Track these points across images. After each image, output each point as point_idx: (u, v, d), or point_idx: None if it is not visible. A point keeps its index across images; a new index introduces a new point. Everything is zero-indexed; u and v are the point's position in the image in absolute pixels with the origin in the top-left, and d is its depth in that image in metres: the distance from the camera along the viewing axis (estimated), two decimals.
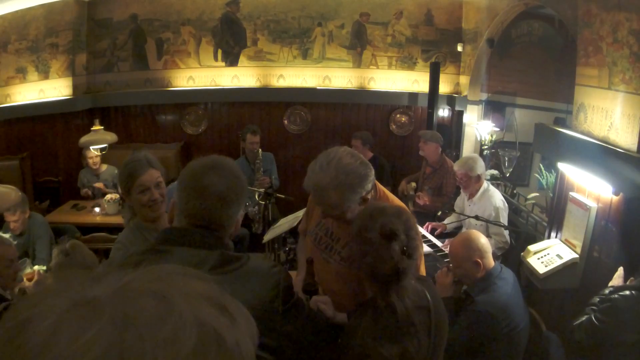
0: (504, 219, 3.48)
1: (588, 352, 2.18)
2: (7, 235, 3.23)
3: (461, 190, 3.86)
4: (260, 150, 4.70)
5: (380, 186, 1.88)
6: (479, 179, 3.58)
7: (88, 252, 2.35)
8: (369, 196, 1.72)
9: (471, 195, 3.67)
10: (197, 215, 1.19)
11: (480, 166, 3.57)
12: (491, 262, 2.25)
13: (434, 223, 3.92)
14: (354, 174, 1.63)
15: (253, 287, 1.14)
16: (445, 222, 3.93)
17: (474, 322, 2.08)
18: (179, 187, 1.24)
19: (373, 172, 1.70)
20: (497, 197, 3.54)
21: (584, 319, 2.18)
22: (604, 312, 2.09)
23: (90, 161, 4.69)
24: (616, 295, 2.09)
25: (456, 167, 3.68)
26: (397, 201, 1.88)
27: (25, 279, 2.62)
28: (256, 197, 4.32)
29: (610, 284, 2.30)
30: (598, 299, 2.21)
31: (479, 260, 2.19)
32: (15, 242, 3.31)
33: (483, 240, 2.26)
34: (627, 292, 2.06)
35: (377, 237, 1.38)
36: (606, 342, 2.08)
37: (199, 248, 1.16)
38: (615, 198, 2.54)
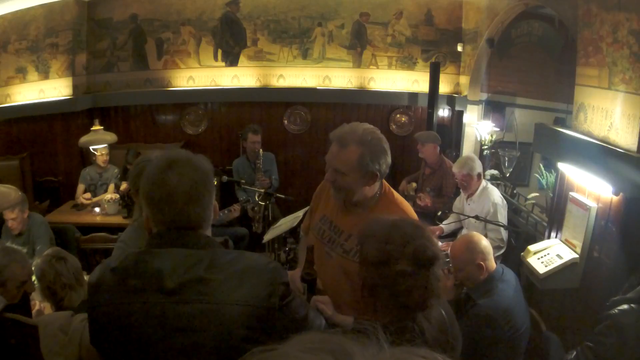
0: (502, 217, 3.49)
1: None
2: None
3: (461, 190, 3.86)
4: (261, 150, 4.70)
5: (385, 183, 1.89)
6: (479, 177, 3.60)
7: (72, 257, 2.34)
8: (377, 181, 1.75)
9: (470, 195, 3.67)
10: (173, 221, 1.17)
11: (479, 165, 3.60)
12: (493, 264, 2.24)
13: (431, 227, 3.92)
14: (378, 140, 1.72)
15: (249, 284, 1.14)
16: (444, 223, 3.93)
17: (476, 326, 2.06)
18: (144, 199, 1.19)
19: (390, 159, 1.76)
20: (496, 195, 3.56)
21: (577, 350, 2.01)
22: (604, 332, 1.93)
23: (101, 159, 4.68)
24: (615, 311, 1.93)
25: (455, 169, 3.67)
26: (400, 198, 1.89)
27: None
28: (256, 197, 4.32)
29: None
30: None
31: (482, 263, 2.18)
32: (15, 242, 3.30)
33: (485, 242, 2.25)
34: (626, 307, 1.93)
35: (410, 267, 1.20)
36: None
37: (192, 248, 1.16)
38: (615, 198, 2.54)
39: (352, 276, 1.79)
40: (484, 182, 3.64)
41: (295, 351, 0.47)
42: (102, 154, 4.67)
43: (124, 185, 4.61)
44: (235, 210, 4.07)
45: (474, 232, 2.44)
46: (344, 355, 0.46)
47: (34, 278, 2.31)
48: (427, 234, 1.29)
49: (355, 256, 1.77)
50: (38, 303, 2.47)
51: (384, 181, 1.87)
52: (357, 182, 1.72)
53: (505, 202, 3.60)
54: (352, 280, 1.80)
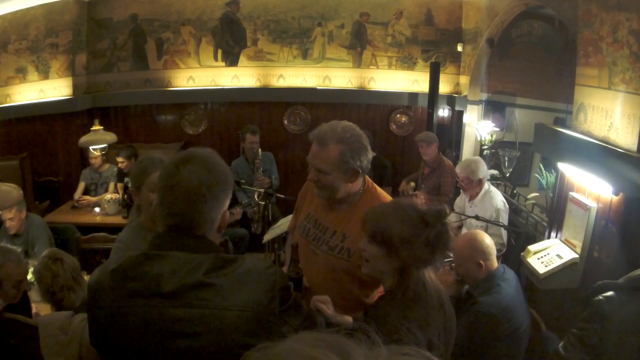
0: (504, 221, 3.48)
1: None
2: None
3: (461, 191, 3.86)
4: (260, 150, 4.70)
5: (368, 179, 1.91)
6: (480, 182, 3.58)
7: (70, 258, 2.33)
8: (359, 177, 1.78)
9: (472, 197, 3.66)
10: (170, 215, 1.16)
11: (483, 170, 3.57)
12: (494, 263, 2.24)
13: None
14: (358, 137, 1.73)
15: (249, 289, 1.13)
16: None
17: (477, 323, 2.07)
18: (156, 189, 1.22)
19: (371, 154, 1.78)
20: (498, 199, 3.54)
21: (566, 337, 2.02)
22: (587, 318, 1.94)
23: (92, 161, 4.71)
24: (600, 297, 1.92)
25: (458, 169, 3.68)
26: (383, 193, 1.91)
27: None
28: (256, 197, 4.32)
29: None
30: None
31: (482, 262, 2.19)
32: (12, 243, 3.29)
33: (488, 242, 2.25)
34: (610, 294, 1.91)
35: (437, 227, 1.40)
36: (599, 350, 1.89)
37: (193, 252, 1.15)
38: (615, 198, 2.54)
39: (338, 272, 1.81)
40: (486, 186, 3.62)
41: (298, 346, 0.50)
42: (94, 157, 4.67)
43: (120, 186, 4.63)
44: (236, 214, 4.07)
45: (479, 231, 2.43)
46: (342, 350, 0.49)
47: (29, 277, 2.31)
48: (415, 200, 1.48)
49: (340, 253, 1.80)
50: (34, 307, 2.47)
51: (367, 177, 1.89)
52: (340, 179, 1.74)
53: (507, 205, 3.59)
54: (338, 277, 1.82)
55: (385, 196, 1.90)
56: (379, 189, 1.92)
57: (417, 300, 1.38)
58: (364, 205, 1.81)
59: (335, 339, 0.51)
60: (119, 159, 4.59)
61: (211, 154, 1.22)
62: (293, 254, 1.77)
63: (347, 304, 1.79)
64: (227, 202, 1.23)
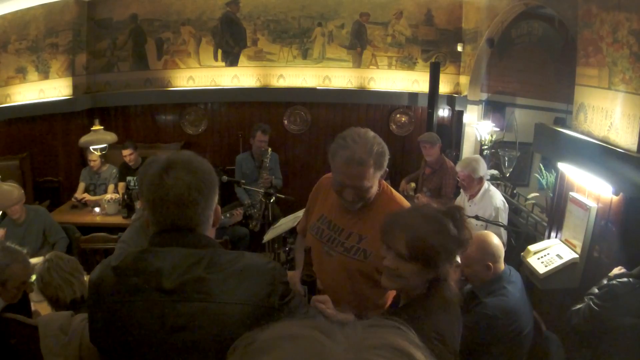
0: (503, 220, 3.48)
1: (584, 337, 2.28)
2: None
3: (461, 191, 3.86)
4: (270, 149, 4.73)
5: (383, 181, 1.90)
6: (481, 180, 3.58)
7: (68, 259, 2.34)
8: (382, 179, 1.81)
9: (472, 196, 3.66)
10: (166, 222, 1.18)
11: (483, 168, 3.57)
12: (502, 265, 2.24)
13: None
14: (383, 144, 1.74)
15: (249, 284, 1.14)
16: None
17: (482, 324, 2.06)
18: (142, 197, 1.21)
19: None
20: (498, 198, 3.54)
21: (581, 305, 2.27)
22: (602, 297, 2.18)
23: (91, 163, 4.71)
24: (615, 282, 2.17)
25: (459, 168, 3.68)
26: (398, 195, 1.90)
27: None
28: (260, 196, 4.32)
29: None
30: (597, 289, 2.27)
31: (491, 264, 2.18)
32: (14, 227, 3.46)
33: (497, 243, 2.24)
34: (626, 279, 2.15)
35: (459, 229, 1.40)
36: (603, 326, 2.15)
37: (193, 247, 1.17)
38: (615, 198, 2.54)
39: (354, 274, 1.81)
40: (486, 184, 3.63)
41: (281, 330, 0.52)
42: (93, 160, 4.68)
43: (121, 185, 4.64)
44: (237, 215, 4.07)
45: (489, 232, 2.41)
46: (322, 328, 0.51)
47: (33, 278, 2.31)
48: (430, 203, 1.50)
49: (357, 254, 1.79)
50: (34, 306, 2.48)
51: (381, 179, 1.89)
52: (376, 185, 1.78)
53: (506, 204, 3.59)
54: (353, 278, 1.81)
55: (400, 197, 1.89)
56: (393, 190, 1.92)
57: (446, 308, 1.36)
58: (379, 206, 1.81)
59: (315, 321, 0.53)
60: (125, 152, 4.59)
61: (191, 157, 1.21)
62: (306, 258, 1.76)
63: (361, 305, 1.79)
64: (216, 198, 1.24)
